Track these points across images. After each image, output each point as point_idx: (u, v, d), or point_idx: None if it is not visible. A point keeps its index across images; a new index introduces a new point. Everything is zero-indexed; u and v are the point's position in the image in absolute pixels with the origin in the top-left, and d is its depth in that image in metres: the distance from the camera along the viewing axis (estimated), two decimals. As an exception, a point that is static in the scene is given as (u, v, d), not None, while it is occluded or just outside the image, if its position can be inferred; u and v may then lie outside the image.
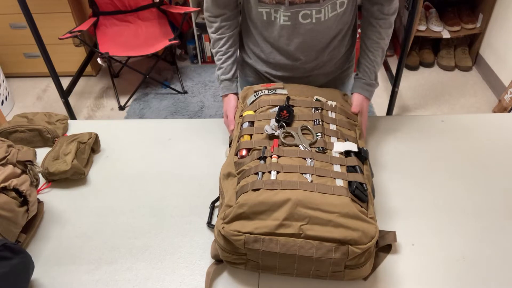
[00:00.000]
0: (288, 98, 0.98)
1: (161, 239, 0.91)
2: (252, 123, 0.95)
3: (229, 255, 0.78)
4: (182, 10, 2.66)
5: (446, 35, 2.89)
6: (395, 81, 2.38)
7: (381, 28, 1.07)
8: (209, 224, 0.93)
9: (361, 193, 0.78)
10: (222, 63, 1.16)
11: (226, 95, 1.17)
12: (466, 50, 3.01)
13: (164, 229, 0.93)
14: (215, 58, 1.17)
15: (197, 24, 3.03)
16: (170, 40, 2.59)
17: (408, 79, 2.95)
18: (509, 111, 2.45)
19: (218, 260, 0.84)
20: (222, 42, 1.14)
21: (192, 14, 2.97)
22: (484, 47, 2.91)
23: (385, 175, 1.04)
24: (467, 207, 0.95)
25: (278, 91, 1.02)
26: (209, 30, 1.15)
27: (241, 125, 0.97)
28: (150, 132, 1.21)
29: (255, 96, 1.02)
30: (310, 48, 1.09)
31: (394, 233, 0.85)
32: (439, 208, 0.95)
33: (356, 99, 1.09)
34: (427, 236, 0.89)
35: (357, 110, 1.05)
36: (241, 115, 1.01)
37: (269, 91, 1.02)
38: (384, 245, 0.85)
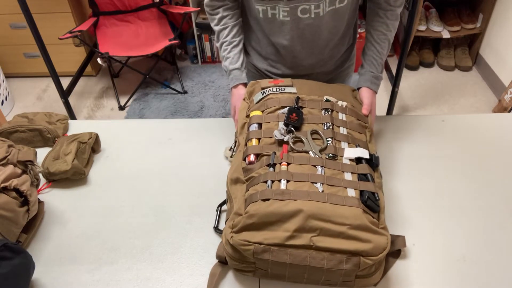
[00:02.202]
0: (297, 99, 0.95)
1: (161, 239, 0.91)
2: (259, 125, 0.92)
3: (238, 263, 0.77)
4: (182, 10, 2.66)
5: (446, 35, 2.89)
6: (395, 81, 2.38)
7: (388, 20, 1.06)
8: (216, 229, 0.92)
9: (373, 203, 0.76)
10: (229, 52, 1.12)
11: (236, 86, 1.12)
12: (466, 50, 3.01)
13: (164, 229, 0.93)
14: (221, 50, 1.13)
15: (197, 24, 3.03)
16: (170, 40, 2.59)
17: (408, 79, 2.95)
18: (509, 111, 2.45)
19: (222, 261, 0.84)
20: (226, 32, 1.11)
21: (192, 14, 2.97)
22: (484, 47, 2.91)
23: (385, 175, 1.04)
24: (468, 207, 0.95)
25: (287, 89, 0.98)
26: (212, 24, 1.13)
27: (248, 126, 0.94)
28: (150, 132, 1.21)
29: (262, 94, 0.99)
30: (310, 45, 1.09)
31: (403, 238, 0.84)
32: (439, 208, 0.95)
33: (367, 96, 1.05)
34: (428, 236, 0.89)
35: (369, 110, 1.01)
36: (248, 115, 0.98)
37: (277, 89, 0.99)
38: (394, 250, 0.84)
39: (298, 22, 1.03)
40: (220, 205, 0.96)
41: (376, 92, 1.09)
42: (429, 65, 3.05)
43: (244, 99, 1.04)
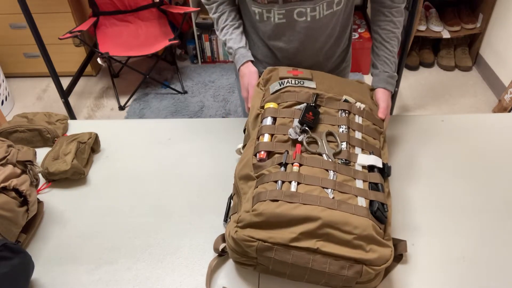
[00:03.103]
0: (316, 96, 0.92)
1: (161, 239, 0.91)
2: (274, 119, 0.90)
3: (239, 256, 0.77)
4: (182, 10, 2.66)
5: (446, 35, 2.89)
6: (395, 81, 2.38)
7: (394, 17, 1.05)
8: (226, 222, 0.91)
9: (381, 215, 0.75)
10: (231, 34, 1.10)
11: (244, 64, 1.09)
12: (466, 50, 3.01)
13: (164, 229, 0.93)
14: (221, 35, 1.12)
15: (197, 24, 3.03)
16: (170, 40, 2.59)
17: (408, 79, 2.95)
18: (509, 111, 2.45)
19: (219, 254, 0.84)
20: (225, 16, 1.11)
21: (192, 14, 2.97)
22: (484, 47, 2.91)
23: (385, 175, 1.04)
24: (467, 207, 0.95)
25: (306, 83, 0.95)
26: (211, 13, 1.12)
27: (262, 119, 0.91)
28: (150, 132, 1.21)
29: (280, 85, 0.95)
30: (306, 47, 1.09)
31: (405, 242, 0.84)
32: (439, 208, 0.95)
33: (383, 99, 1.01)
34: (427, 236, 0.89)
35: (385, 114, 0.98)
36: (262, 106, 0.94)
37: (296, 82, 0.95)
38: (396, 255, 0.84)
39: (294, 25, 1.02)
40: (230, 197, 0.95)
41: (392, 93, 1.06)
42: (429, 65, 3.04)
43: (259, 85, 1.00)
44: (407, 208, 0.95)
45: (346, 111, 0.92)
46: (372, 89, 1.05)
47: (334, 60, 1.18)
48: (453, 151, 1.10)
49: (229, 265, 0.85)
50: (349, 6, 1.07)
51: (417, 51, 3.06)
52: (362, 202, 0.76)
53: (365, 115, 0.93)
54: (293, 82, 0.95)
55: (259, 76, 1.04)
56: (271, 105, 0.92)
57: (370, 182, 0.81)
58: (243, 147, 0.99)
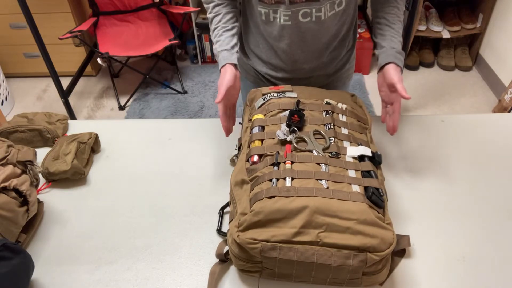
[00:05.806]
0: (298, 102, 0.96)
1: (161, 239, 0.91)
2: (262, 127, 0.94)
3: (244, 263, 0.77)
4: (182, 10, 2.66)
5: (446, 35, 2.89)
6: (395, 81, 2.38)
7: (399, 5, 1.06)
8: (219, 231, 0.91)
9: (377, 199, 0.77)
10: (220, 36, 1.06)
11: (223, 66, 1.02)
12: (466, 50, 3.01)
13: (164, 229, 0.93)
14: (212, 36, 1.08)
15: (197, 24, 3.03)
16: (170, 40, 2.59)
17: (408, 79, 2.95)
18: (509, 111, 2.45)
19: (221, 260, 0.84)
20: (218, 18, 1.07)
21: (192, 14, 2.97)
22: (484, 47, 2.91)
23: (385, 175, 1.04)
24: (467, 207, 0.95)
25: (287, 94, 1.00)
26: (207, 13, 1.10)
27: (251, 130, 0.95)
28: (150, 132, 1.21)
29: (263, 99, 1.00)
30: (311, 48, 1.09)
31: (408, 237, 0.85)
32: (439, 208, 0.95)
33: (398, 77, 0.95)
34: (427, 236, 0.89)
35: (405, 91, 0.93)
36: (250, 119, 0.99)
37: (278, 94, 1.00)
38: (398, 249, 0.84)
39: (299, 26, 1.02)
40: (223, 208, 0.96)
41: (402, 70, 1.01)
42: (429, 65, 3.05)
43: (246, 105, 1.05)
44: (407, 208, 0.95)
45: (330, 111, 0.95)
46: (353, 95, 1.04)
47: (338, 62, 1.18)
48: (453, 151, 1.10)
49: (229, 271, 0.85)
50: (352, 7, 1.07)
51: (417, 51, 3.06)
52: (356, 189, 0.78)
53: (348, 114, 0.97)
54: (275, 95, 1.00)
55: (236, 79, 1.02)
56: (259, 116, 0.97)
57: (362, 171, 0.83)
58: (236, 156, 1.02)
